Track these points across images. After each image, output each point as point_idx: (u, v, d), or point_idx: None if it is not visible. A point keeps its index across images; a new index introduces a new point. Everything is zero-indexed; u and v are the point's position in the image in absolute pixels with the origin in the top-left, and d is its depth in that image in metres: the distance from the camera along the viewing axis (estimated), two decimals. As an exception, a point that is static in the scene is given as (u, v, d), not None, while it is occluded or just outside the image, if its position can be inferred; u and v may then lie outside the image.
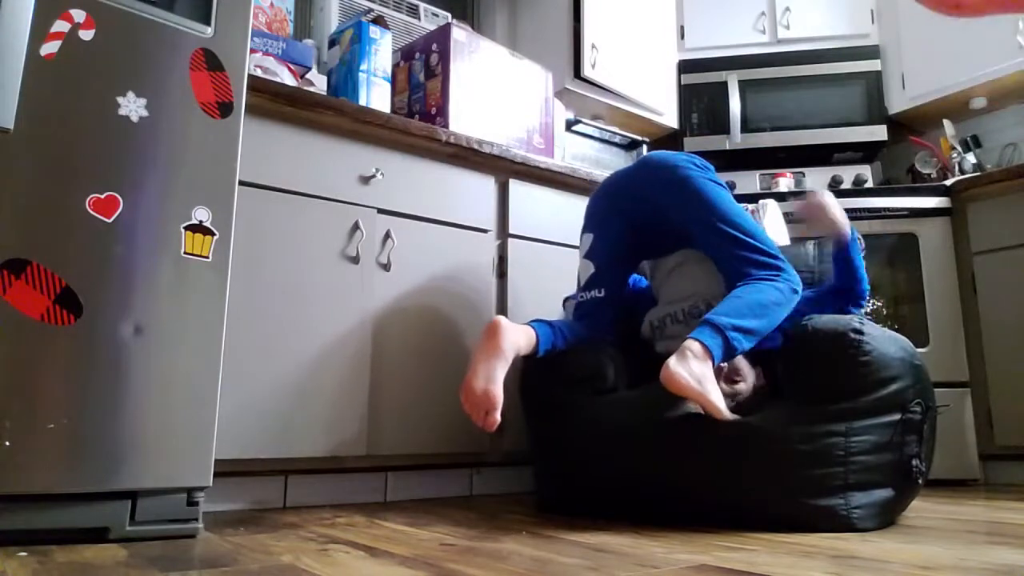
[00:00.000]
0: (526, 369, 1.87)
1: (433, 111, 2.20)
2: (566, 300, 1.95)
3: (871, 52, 3.08)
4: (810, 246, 2.11)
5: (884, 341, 1.50)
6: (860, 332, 1.48)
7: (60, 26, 1.27)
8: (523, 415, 1.90)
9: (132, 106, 1.33)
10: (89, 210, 1.26)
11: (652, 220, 1.77)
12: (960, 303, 2.52)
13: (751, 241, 1.62)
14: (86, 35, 1.29)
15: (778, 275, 1.58)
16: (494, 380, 1.51)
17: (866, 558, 1.15)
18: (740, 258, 1.61)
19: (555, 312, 2.20)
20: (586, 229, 1.89)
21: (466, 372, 1.55)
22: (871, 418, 1.45)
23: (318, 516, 1.59)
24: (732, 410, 1.51)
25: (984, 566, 1.09)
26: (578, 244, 2.28)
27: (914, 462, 1.47)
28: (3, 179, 1.20)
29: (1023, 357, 2.36)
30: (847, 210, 2.60)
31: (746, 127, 3.08)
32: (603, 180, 1.96)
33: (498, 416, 1.50)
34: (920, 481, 1.50)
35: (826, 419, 1.44)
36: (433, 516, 1.61)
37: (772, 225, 2.35)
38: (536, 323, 1.69)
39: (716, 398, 1.42)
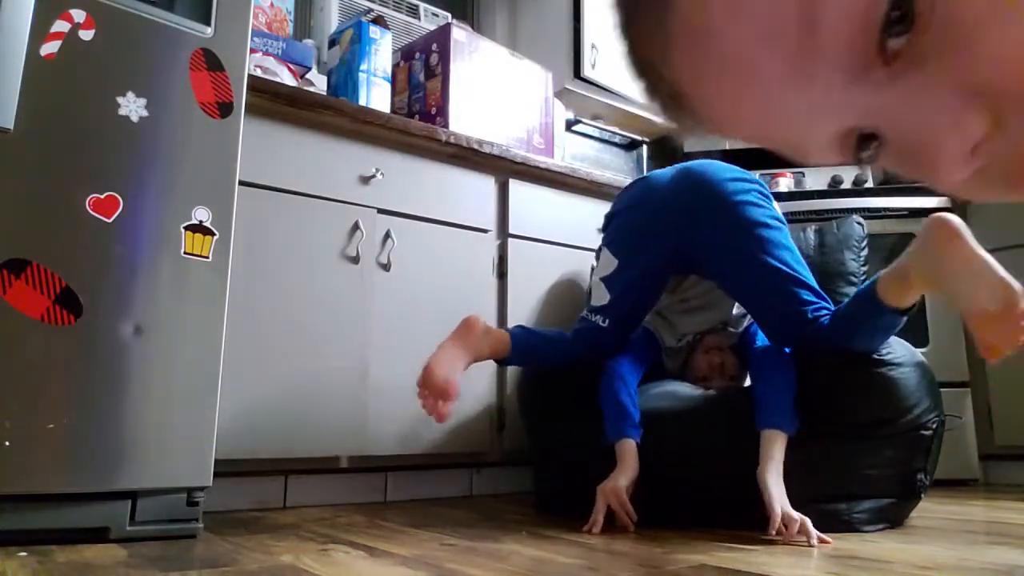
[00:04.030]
0: (522, 373, 1.88)
1: (433, 111, 2.20)
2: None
3: (871, 52, 3.07)
4: (811, 233, 2.08)
5: (906, 369, 1.45)
6: (885, 364, 1.43)
7: (60, 26, 1.27)
8: (521, 417, 1.90)
9: (132, 106, 1.33)
10: (89, 210, 1.26)
11: (692, 247, 1.61)
12: (960, 303, 2.51)
13: (803, 280, 1.52)
14: (86, 35, 1.29)
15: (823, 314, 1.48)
16: (457, 372, 1.49)
17: (866, 558, 1.15)
18: (791, 296, 1.50)
19: (554, 312, 2.20)
20: (609, 247, 1.71)
21: (432, 355, 1.51)
22: (885, 439, 1.44)
23: (318, 516, 1.59)
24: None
25: (984, 566, 1.09)
26: (578, 244, 2.30)
27: (919, 475, 1.47)
28: (3, 179, 1.20)
29: (1023, 357, 2.36)
30: (846, 210, 2.61)
31: (746, 127, 3.08)
32: (637, 188, 1.75)
33: (451, 408, 1.47)
34: (923, 494, 1.50)
35: (839, 438, 1.44)
36: (433, 516, 1.61)
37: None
38: (518, 332, 1.65)
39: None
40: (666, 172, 1.72)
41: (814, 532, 1.28)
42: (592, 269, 2.25)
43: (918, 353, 1.54)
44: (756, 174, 3.05)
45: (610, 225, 1.77)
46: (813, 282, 1.53)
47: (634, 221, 1.70)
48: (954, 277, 1.21)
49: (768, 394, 1.44)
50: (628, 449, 1.50)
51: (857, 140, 0.30)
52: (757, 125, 0.31)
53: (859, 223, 2.03)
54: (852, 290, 1.91)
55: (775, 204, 1.66)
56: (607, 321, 1.66)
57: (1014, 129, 0.27)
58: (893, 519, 1.47)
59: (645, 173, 2.50)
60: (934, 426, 1.47)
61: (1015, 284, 1.14)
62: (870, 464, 1.44)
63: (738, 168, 1.67)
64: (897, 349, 1.47)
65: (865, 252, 2.01)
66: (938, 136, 0.27)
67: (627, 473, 1.47)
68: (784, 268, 1.51)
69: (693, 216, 1.60)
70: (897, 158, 0.30)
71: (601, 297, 1.68)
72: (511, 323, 2.11)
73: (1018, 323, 1.13)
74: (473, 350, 1.56)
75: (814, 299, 1.49)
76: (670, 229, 1.62)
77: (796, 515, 1.30)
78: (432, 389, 1.47)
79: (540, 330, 1.74)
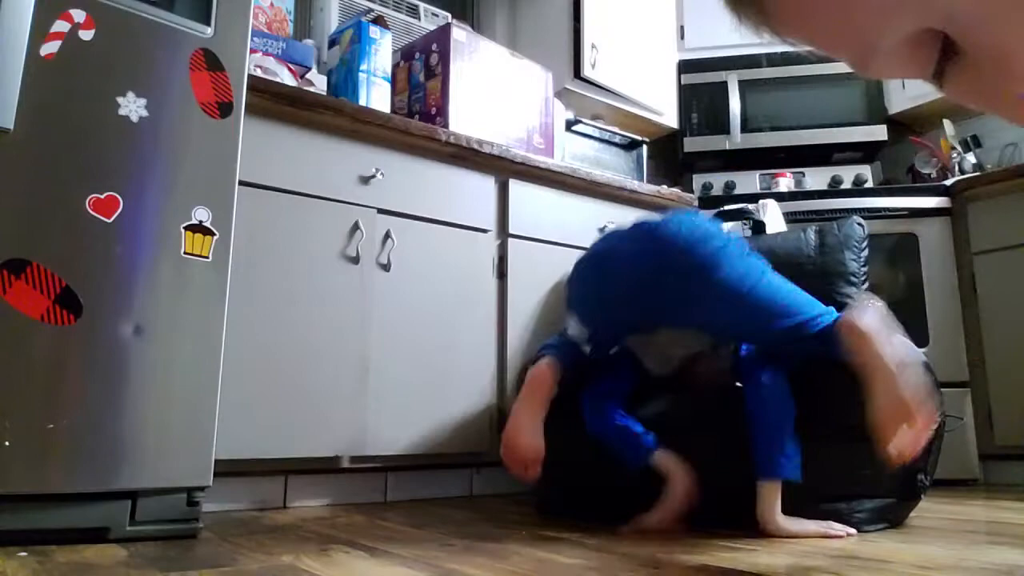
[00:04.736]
0: (520, 374, 1.87)
1: (433, 111, 2.20)
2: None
3: (871, 52, 3.07)
4: (811, 233, 2.07)
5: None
6: None
7: (60, 26, 1.27)
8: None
9: (132, 106, 1.33)
10: (89, 210, 1.26)
11: (677, 320, 1.53)
12: (960, 303, 2.52)
13: (804, 318, 1.42)
14: (86, 35, 1.29)
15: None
16: (540, 434, 1.46)
17: (866, 558, 1.15)
18: (798, 337, 1.42)
19: (554, 312, 2.20)
20: (577, 316, 1.59)
21: (510, 421, 1.50)
22: None
23: (318, 516, 1.59)
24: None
25: (984, 566, 1.09)
26: (578, 244, 2.30)
27: (919, 476, 1.47)
28: (3, 179, 1.20)
29: (1023, 357, 2.36)
30: (847, 210, 2.61)
31: (746, 127, 3.08)
32: (595, 260, 1.60)
33: (539, 468, 1.45)
34: (923, 494, 1.50)
35: (840, 439, 1.43)
36: (433, 516, 1.61)
37: (772, 224, 2.35)
38: (556, 358, 1.56)
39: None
40: (623, 239, 1.57)
41: (839, 528, 1.31)
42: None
43: (921, 353, 1.53)
44: (756, 174, 3.08)
45: (571, 291, 1.64)
46: (808, 304, 1.45)
47: (598, 299, 1.57)
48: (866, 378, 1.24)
49: (762, 442, 1.39)
50: (665, 459, 1.47)
51: (930, 48, 0.29)
52: (834, 14, 0.29)
53: (859, 224, 2.02)
54: (852, 291, 1.89)
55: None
56: (590, 350, 1.60)
57: None
58: (893, 519, 1.47)
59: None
60: (935, 426, 1.47)
61: (914, 400, 1.18)
62: (871, 464, 1.43)
63: (703, 221, 1.50)
64: None
65: (866, 253, 2.01)
66: (1012, 42, 0.26)
67: (677, 490, 1.43)
68: (789, 323, 1.42)
69: (670, 294, 1.46)
70: (968, 67, 0.29)
71: (581, 339, 1.59)
72: (511, 323, 2.12)
73: (917, 435, 1.19)
74: (546, 401, 1.51)
75: (816, 320, 1.43)
76: (642, 307, 1.50)
77: (813, 524, 1.32)
78: (519, 457, 1.45)
79: (557, 342, 1.64)
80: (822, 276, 1.86)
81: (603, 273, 1.56)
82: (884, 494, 1.45)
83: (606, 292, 1.55)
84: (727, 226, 2.40)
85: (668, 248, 1.46)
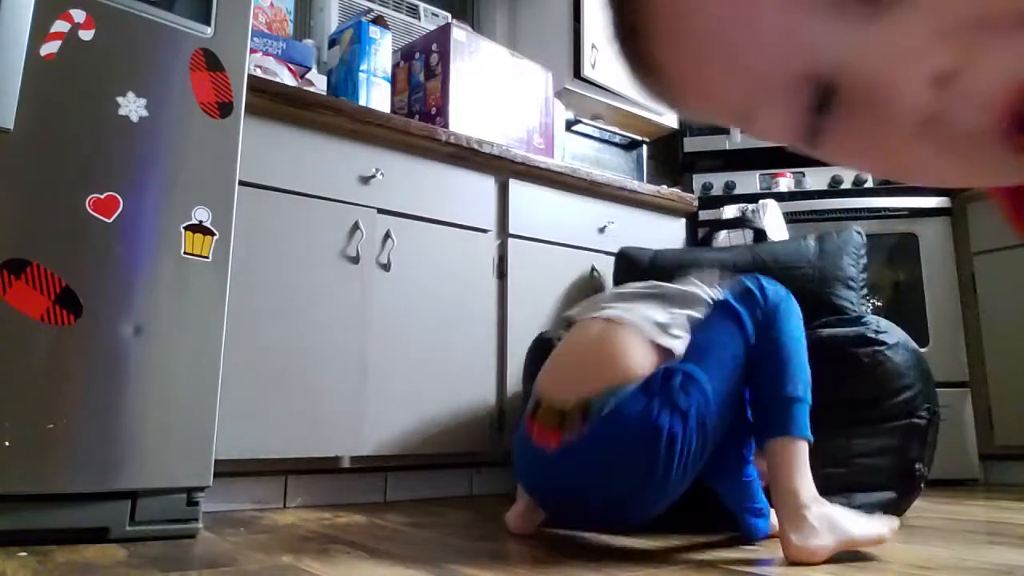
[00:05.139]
0: (528, 366, 1.87)
1: (433, 111, 2.20)
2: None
3: (871, 52, 3.07)
4: (811, 240, 2.08)
5: (898, 350, 1.48)
6: (877, 343, 1.45)
7: (60, 26, 1.27)
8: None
9: (132, 106, 1.33)
10: (89, 210, 1.26)
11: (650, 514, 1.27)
12: (960, 303, 2.52)
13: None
14: (86, 35, 1.29)
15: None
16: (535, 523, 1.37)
17: (865, 558, 1.15)
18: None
19: (553, 312, 2.20)
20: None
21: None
22: (878, 424, 1.45)
23: (318, 516, 1.59)
24: None
25: (984, 566, 1.09)
26: (578, 244, 2.31)
27: (917, 465, 1.47)
28: (3, 179, 1.20)
29: (1023, 357, 2.36)
30: (847, 210, 2.62)
31: (746, 127, 3.08)
32: (534, 487, 1.32)
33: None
34: (922, 484, 1.50)
35: (832, 424, 1.43)
36: (433, 516, 1.61)
37: (772, 224, 2.35)
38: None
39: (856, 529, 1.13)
40: (555, 476, 1.23)
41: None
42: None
43: (911, 340, 1.55)
44: (756, 174, 3.07)
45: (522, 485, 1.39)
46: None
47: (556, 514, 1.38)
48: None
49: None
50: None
51: (810, 98, 0.29)
52: (723, 55, 0.30)
53: (858, 232, 2.04)
54: (850, 294, 1.90)
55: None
56: None
57: (990, 56, 0.26)
58: (893, 514, 1.47)
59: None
60: (927, 415, 1.48)
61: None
62: (865, 452, 1.44)
63: (630, 408, 1.15)
64: (889, 330, 1.49)
65: (864, 260, 2.02)
66: (899, 68, 0.26)
67: None
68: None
69: (640, 502, 1.20)
70: (851, 111, 0.29)
71: None
72: (511, 323, 2.12)
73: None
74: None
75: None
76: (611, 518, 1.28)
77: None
78: None
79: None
80: (821, 280, 1.91)
81: (555, 504, 1.33)
82: (882, 486, 1.45)
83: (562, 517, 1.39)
84: (722, 236, 2.41)
85: (611, 471, 1.17)
